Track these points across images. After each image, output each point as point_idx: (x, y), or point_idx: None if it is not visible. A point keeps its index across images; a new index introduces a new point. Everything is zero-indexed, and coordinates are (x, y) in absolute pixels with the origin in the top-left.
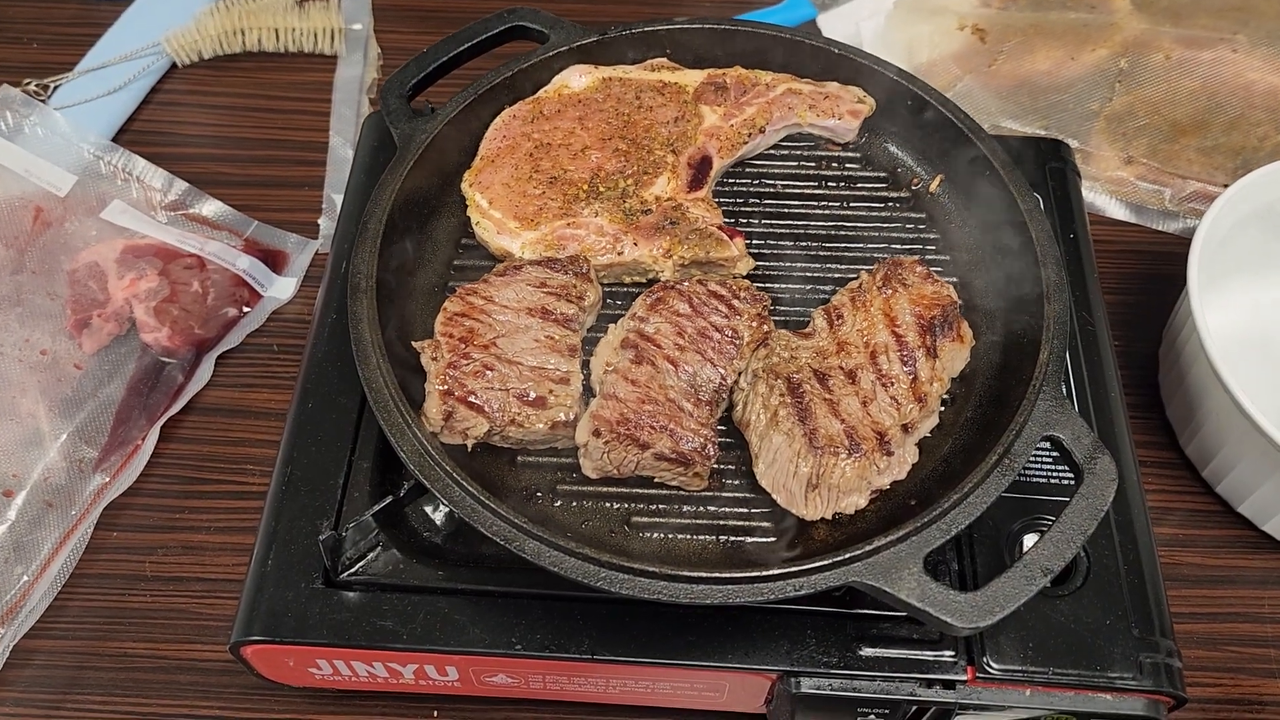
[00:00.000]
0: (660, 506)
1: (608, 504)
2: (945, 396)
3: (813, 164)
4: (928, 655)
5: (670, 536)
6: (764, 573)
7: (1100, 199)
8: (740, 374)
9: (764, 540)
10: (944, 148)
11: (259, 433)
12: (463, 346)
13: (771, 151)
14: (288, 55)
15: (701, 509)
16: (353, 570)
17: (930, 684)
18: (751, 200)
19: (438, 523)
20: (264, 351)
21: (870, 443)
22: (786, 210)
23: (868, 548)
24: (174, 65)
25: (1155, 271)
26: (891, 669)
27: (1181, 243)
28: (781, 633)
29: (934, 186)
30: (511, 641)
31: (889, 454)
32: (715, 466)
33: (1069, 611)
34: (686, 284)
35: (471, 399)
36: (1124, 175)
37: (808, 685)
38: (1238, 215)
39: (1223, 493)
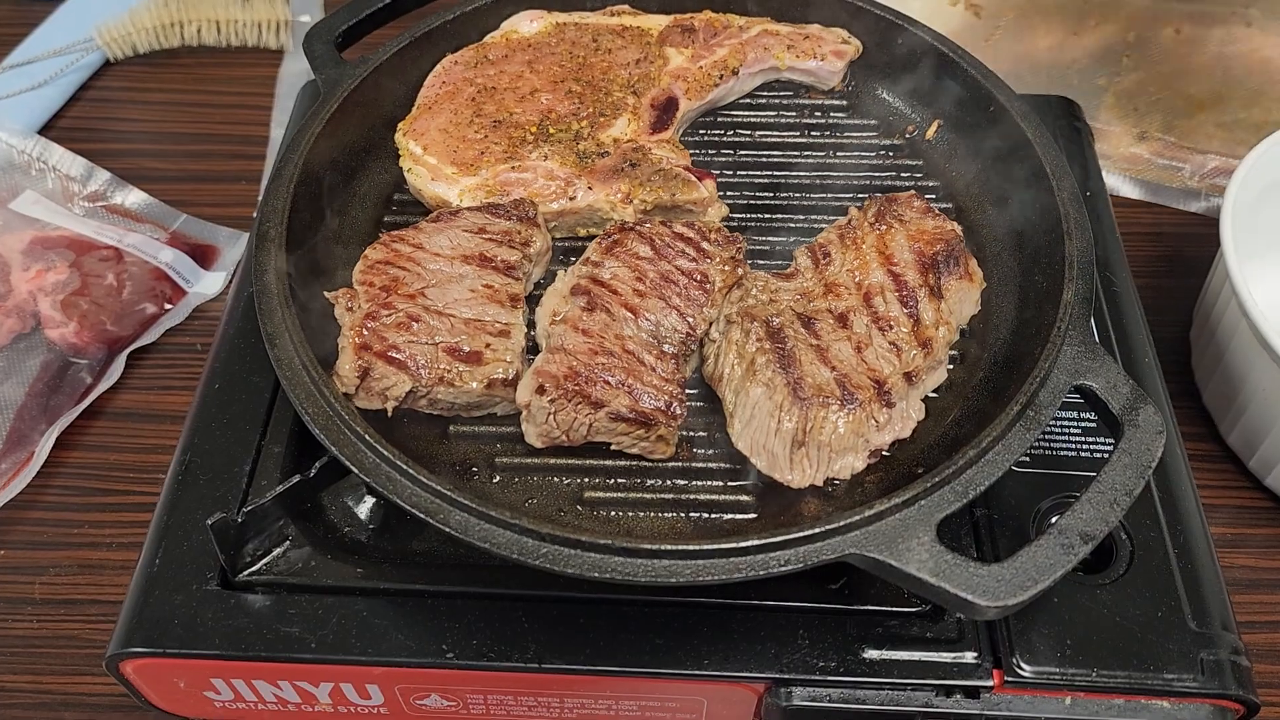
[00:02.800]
0: (619, 480)
1: (556, 479)
2: (954, 353)
3: (794, 113)
4: (945, 657)
5: (631, 515)
6: (741, 543)
7: (1113, 179)
8: (711, 324)
9: (743, 517)
10: (941, 89)
11: (174, 439)
12: (384, 296)
13: (746, 101)
14: (230, 50)
15: (668, 482)
16: (254, 569)
17: (949, 692)
18: (725, 150)
19: (362, 516)
20: (185, 351)
21: (867, 392)
22: (765, 160)
23: (868, 513)
24: (108, 61)
25: (1177, 253)
26: (902, 674)
27: (1205, 222)
28: (768, 634)
29: (931, 132)
30: (443, 649)
31: (889, 405)
32: (684, 432)
33: (1112, 602)
34: (649, 225)
35: (392, 354)
36: (1138, 152)
37: (801, 696)
38: (1266, 181)
39: (1273, 485)
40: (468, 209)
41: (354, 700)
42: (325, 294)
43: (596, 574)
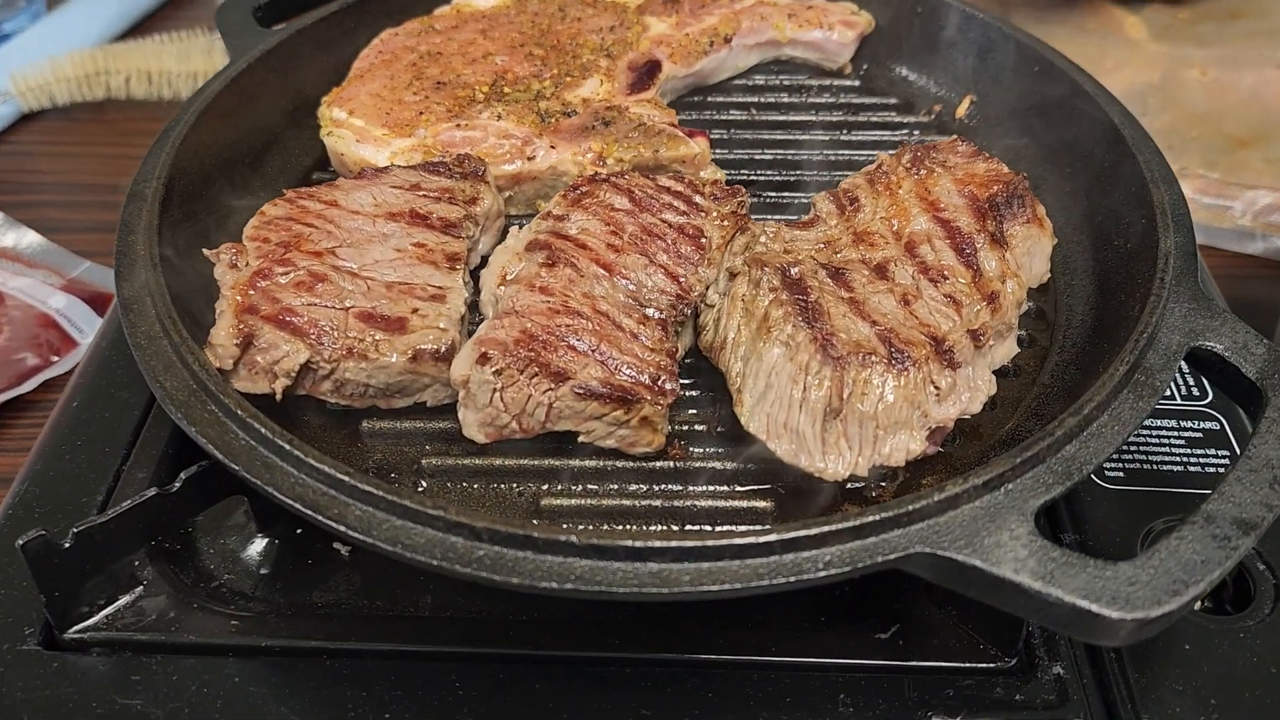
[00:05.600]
0: (589, 485)
1: (504, 484)
2: (1021, 334)
3: (798, 93)
4: None
5: (606, 529)
6: (761, 538)
7: None
8: (709, 287)
9: (757, 529)
10: (973, 62)
11: None
12: (282, 253)
13: (741, 82)
14: (160, 103)
15: (656, 486)
16: (92, 622)
17: None
18: (717, 129)
19: (248, 560)
20: None
21: (922, 348)
22: (765, 139)
23: (939, 496)
24: (26, 116)
25: (1236, 298)
26: None
27: (1264, 264)
28: (797, 701)
29: (962, 109)
30: None
31: (952, 366)
32: (677, 425)
33: (1261, 649)
34: (627, 176)
35: (286, 317)
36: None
37: None
38: None
39: None
40: (400, 166)
41: None
42: (204, 251)
43: (554, 584)
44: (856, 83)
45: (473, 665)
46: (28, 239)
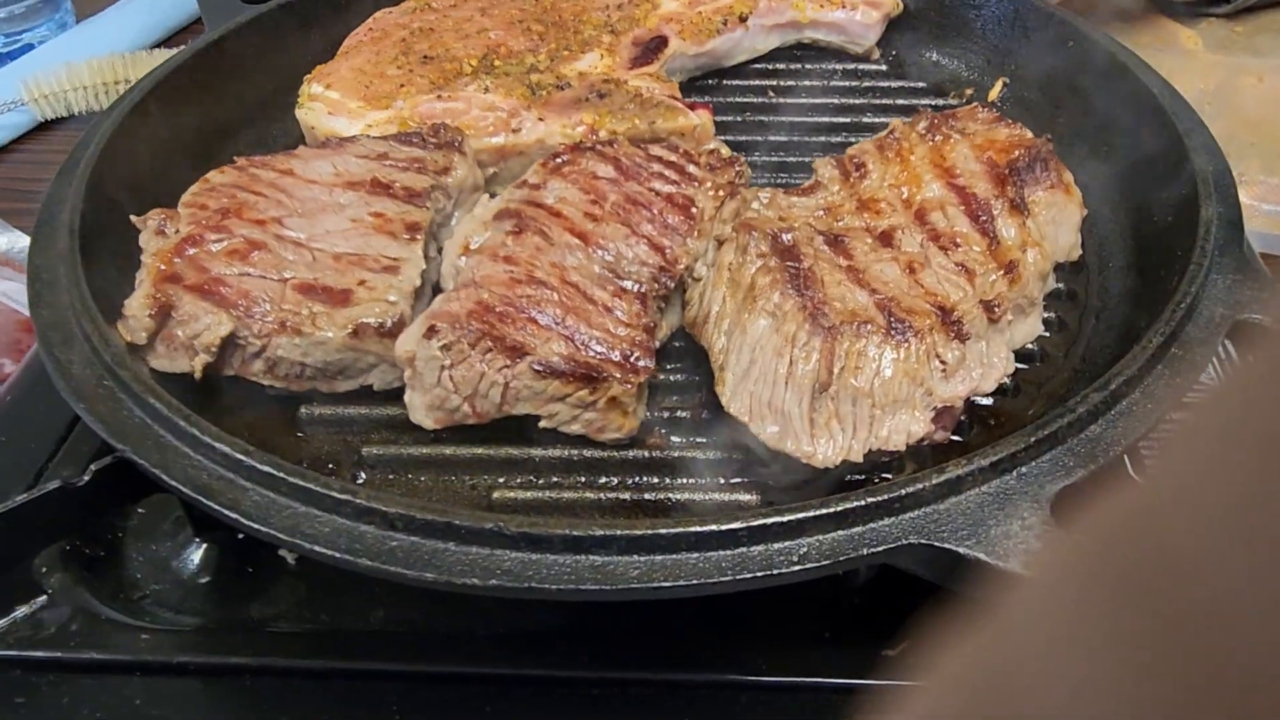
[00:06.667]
0: (552, 478)
1: (453, 476)
2: (1049, 315)
3: (821, 78)
4: None
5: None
6: (726, 524)
7: None
8: (698, 259)
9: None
10: (1006, 42)
11: None
12: (219, 219)
13: (760, 66)
14: None
15: (628, 479)
16: None
17: None
18: (729, 112)
19: (183, 571)
20: None
21: (926, 319)
22: (784, 121)
23: (939, 479)
24: (45, 124)
25: None
26: None
27: None
28: None
29: (995, 91)
30: None
31: (961, 339)
32: (656, 412)
33: None
34: (615, 144)
35: (211, 286)
36: (1241, 200)
37: None
38: None
39: None
40: (369, 137)
41: None
42: (131, 218)
43: (475, 580)
44: (884, 67)
45: (416, 685)
46: (21, 243)
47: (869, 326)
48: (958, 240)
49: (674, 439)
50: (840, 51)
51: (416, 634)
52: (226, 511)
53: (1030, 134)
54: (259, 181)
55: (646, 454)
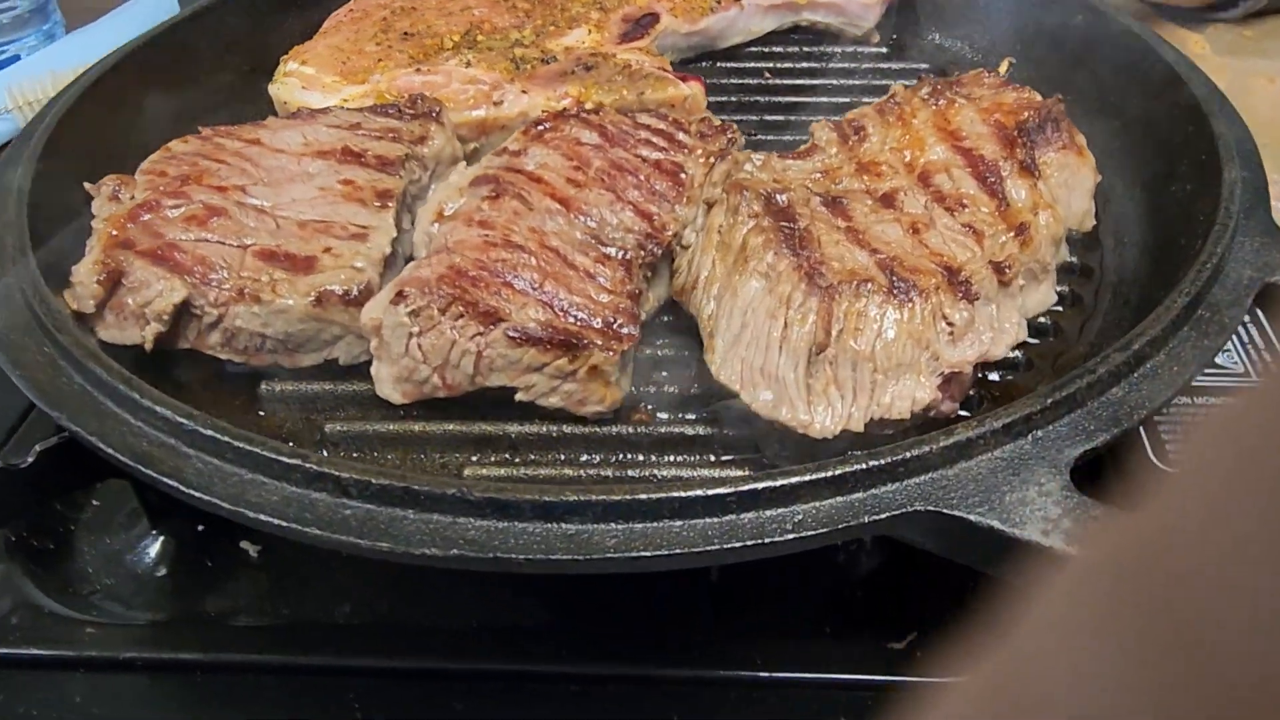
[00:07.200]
0: (529, 454)
1: (423, 453)
2: (1062, 290)
3: (819, 60)
4: None
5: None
6: (713, 489)
7: None
8: (686, 226)
9: (707, 479)
10: (1012, 20)
11: None
12: (177, 185)
13: (756, 48)
14: None
15: (611, 456)
16: None
17: None
18: (723, 94)
19: (138, 565)
20: None
21: (931, 277)
22: (780, 102)
23: (946, 441)
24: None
25: None
26: None
27: None
28: None
29: (1001, 72)
30: None
31: (969, 299)
32: (643, 386)
33: None
34: (601, 112)
35: (165, 252)
36: None
37: None
38: None
39: None
40: (342, 108)
41: None
42: (85, 185)
43: (435, 550)
44: (885, 49)
45: (381, 681)
46: None
47: (869, 285)
48: (964, 202)
49: (660, 415)
50: (839, 35)
51: (382, 628)
52: (167, 480)
53: (1039, 96)
54: (224, 150)
55: (630, 430)
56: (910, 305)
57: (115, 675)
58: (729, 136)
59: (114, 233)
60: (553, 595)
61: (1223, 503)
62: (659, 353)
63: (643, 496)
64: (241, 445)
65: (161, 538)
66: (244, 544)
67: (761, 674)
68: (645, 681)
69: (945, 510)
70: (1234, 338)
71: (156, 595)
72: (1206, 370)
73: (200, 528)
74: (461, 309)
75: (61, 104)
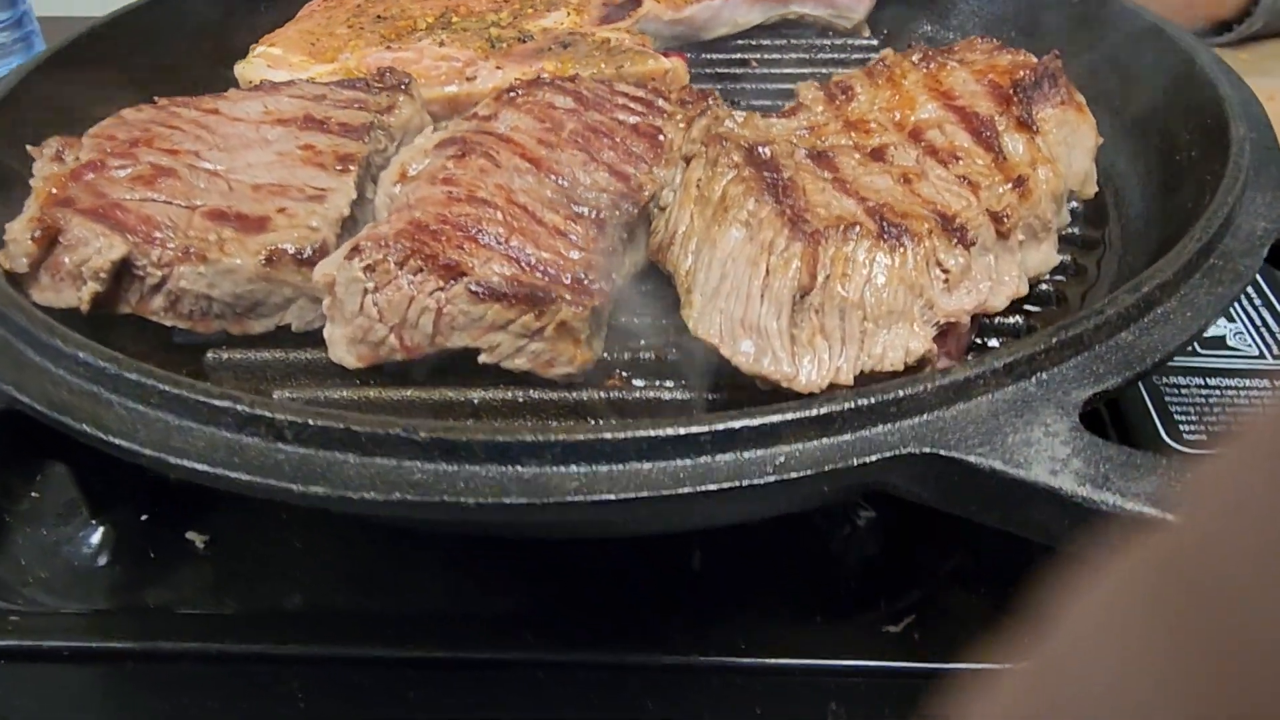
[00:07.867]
0: (496, 422)
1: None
2: (1065, 258)
3: (806, 52)
4: None
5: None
6: (687, 427)
7: None
8: (665, 187)
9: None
10: (1005, 9)
11: None
12: (126, 148)
13: (742, 41)
14: None
15: (582, 422)
16: None
17: None
18: (705, 84)
19: (72, 552)
20: None
21: (924, 222)
22: (768, 89)
23: (943, 381)
24: None
25: None
26: None
27: None
28: (769, 712)
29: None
30: None
31: (964, 244)
32: (616, 352)
33: None
34: (578, 79)
35: (106, 210)
36: None
37: None
38: None
39: None
40: (307, 81)
41: None
42: (28, 148)
43: (375, 495)
44: (875, 42)
45: (325, 670)
46: None
47: (857, 229)
48: (958, 155)
49: (636, 381)
50: (829, 27)
51: (332, 616)
52: (86, 428)
53: (1035, 59)
54: (179, 118)
55: (604, 394)
56: (902, 250)
57: (39, 666)
58: (710, 101)
59: (54, 191)
60: (518, 579)
61: (1264, 504)
62: (634, 320)
63: (607, 436)
64: (167, 389)
65: (102, 529)
66: (190, 534)
67: (744, 660)
68: (622, 669)
69: (942, 452)
70: (1247, 320)
71: (94, 588)
72: (1220, 352)
73: (144, 518)
74: (421, 263)
75: (14, 75)
